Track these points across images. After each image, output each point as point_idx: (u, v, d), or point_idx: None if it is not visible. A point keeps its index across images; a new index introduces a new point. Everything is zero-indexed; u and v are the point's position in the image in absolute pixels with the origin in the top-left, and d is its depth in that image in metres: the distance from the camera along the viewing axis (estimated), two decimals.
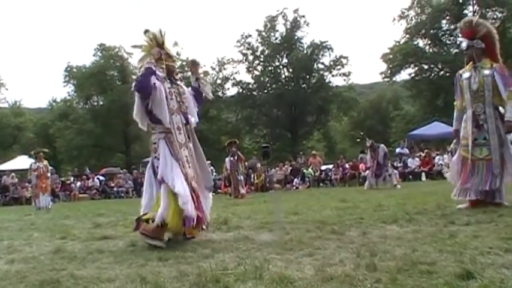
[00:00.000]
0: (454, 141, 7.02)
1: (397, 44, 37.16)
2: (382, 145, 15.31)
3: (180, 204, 4.27)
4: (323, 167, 23.61)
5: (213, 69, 42.05)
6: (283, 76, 42.35)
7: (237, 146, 15.92)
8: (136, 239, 4.77)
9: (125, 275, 3.18)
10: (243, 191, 14.96)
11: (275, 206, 7.83)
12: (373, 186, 14.59)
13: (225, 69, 42.25)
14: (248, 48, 41.84)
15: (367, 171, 15.77)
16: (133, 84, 4.58)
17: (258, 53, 41.99)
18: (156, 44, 4.76)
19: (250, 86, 42.28)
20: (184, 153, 4.63)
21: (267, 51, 41.76)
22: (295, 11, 41.30)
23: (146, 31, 4.79)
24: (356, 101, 44.01)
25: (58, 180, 23.78)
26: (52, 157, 41.22)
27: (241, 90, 42.03)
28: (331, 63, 41.21)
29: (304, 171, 21.99)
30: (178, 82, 4.93)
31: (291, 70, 41.66)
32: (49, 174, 14.97)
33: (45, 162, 14.84)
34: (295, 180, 21.38)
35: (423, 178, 19.30)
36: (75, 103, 44.23)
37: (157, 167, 4.50)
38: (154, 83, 4.46)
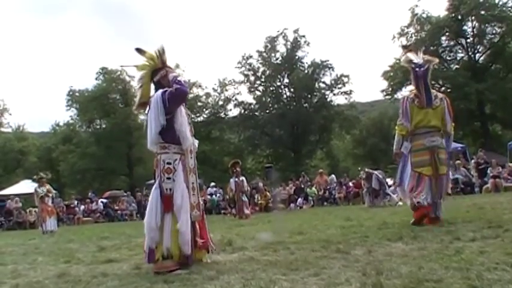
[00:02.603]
0: None
1: (398, 61, 37.30)
2: (375, 173, 15.47)
3: (180, 243, 4.22)
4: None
5: (215, 90, 42.47)
6: (284, 96, 42.54)
7: (240, 167, 15.92)
8: (141, 261, 4.75)
9: None
10: (247, 211, 14.91)
11: (278, 225, 7.80)
12: (370, 205, 14.80)
13: (226, 90, 42.52)
14: (249, 69, 42.14)
15: (364, 190, 16.02)
16: (177, 88, 4.32)
17: (259, 74, 42.25)
18: (161, 62, 4.60)
19: (252, 106, 42.45)
20: (192, 179, 4.48)
21: (268, 72, 41.99)
22: (296, 31, 41.77)
23: (139, 50, 4.61)
24: (358, 119, 44.14)
25: (62, 204, 23.79)
26: (55, 181, 41.41)
27: (243, 111, 42.16)
28: (332, 82, 41.44)
29: (308, 190, 21.92)
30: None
31: (292, 90, 41.85)
32: (49, 199, 14.75)
33: (48, 186, 14.80)
34: (299, 199, 21.32)
35: None
36: (78, 127, 44.50)
37: (169, 190, 4.33)
38: None
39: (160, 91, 4.40)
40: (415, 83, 6.41)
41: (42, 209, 14.34)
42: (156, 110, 4.31)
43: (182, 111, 4.44)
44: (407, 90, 6.93)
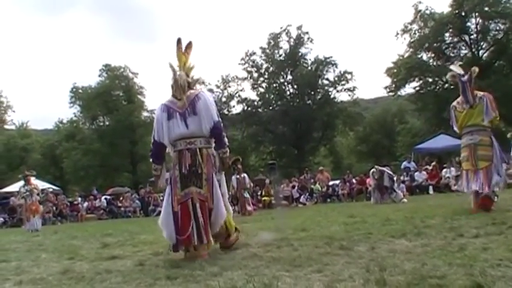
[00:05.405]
0: None
1: (401, 58, 37.22)
2: (386, 171, 15.23)
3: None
4: (330, 183, 23.52)
5: (218, 87, 42.33)
6: (288, 93, 42.51)
7: (241, 164, 15.93)
8: (144, 258, 4.76)
9: None
10: (249, 208, 14.93)
11: (281, 222, 7.79)
12: (378, 202, 14.57)
13: (229, 86, 42.41)
14: (252, 66, 42.10)
15: (372, 186, 15.77)
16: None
17: (262, 70, 42.21)
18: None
19: (255, 103, 42.39)
20: None
21: (271, 68, 41.97)
22: (299, 27, 41.70)
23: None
24: (361, 116, 44.08)
25: (66, 201, 23.81)
26: (59, 178, 41.54)
27: (246, 108, 42.09)
28: (336, 78, 41.41)
29: (312, 187, 21.90)
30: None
31: (295, 86, 41.81)
32: (36, 197, 14.67)
33: (33, 184, 14.72)
34: (302, 196, 21.28)
35: (430, 191, 19.19)
36: (82, 124, 44.55)
37: (218, 181, 4.79)
38: None
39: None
40: (461, 88, 7.35)
41: (25, 208, 14.41)
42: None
43: None
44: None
